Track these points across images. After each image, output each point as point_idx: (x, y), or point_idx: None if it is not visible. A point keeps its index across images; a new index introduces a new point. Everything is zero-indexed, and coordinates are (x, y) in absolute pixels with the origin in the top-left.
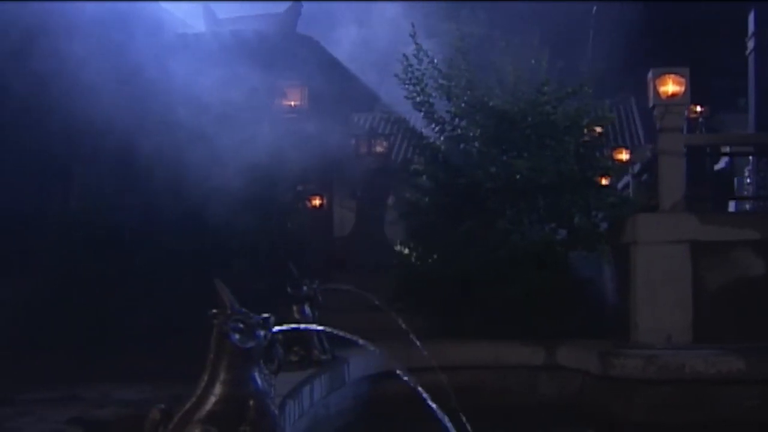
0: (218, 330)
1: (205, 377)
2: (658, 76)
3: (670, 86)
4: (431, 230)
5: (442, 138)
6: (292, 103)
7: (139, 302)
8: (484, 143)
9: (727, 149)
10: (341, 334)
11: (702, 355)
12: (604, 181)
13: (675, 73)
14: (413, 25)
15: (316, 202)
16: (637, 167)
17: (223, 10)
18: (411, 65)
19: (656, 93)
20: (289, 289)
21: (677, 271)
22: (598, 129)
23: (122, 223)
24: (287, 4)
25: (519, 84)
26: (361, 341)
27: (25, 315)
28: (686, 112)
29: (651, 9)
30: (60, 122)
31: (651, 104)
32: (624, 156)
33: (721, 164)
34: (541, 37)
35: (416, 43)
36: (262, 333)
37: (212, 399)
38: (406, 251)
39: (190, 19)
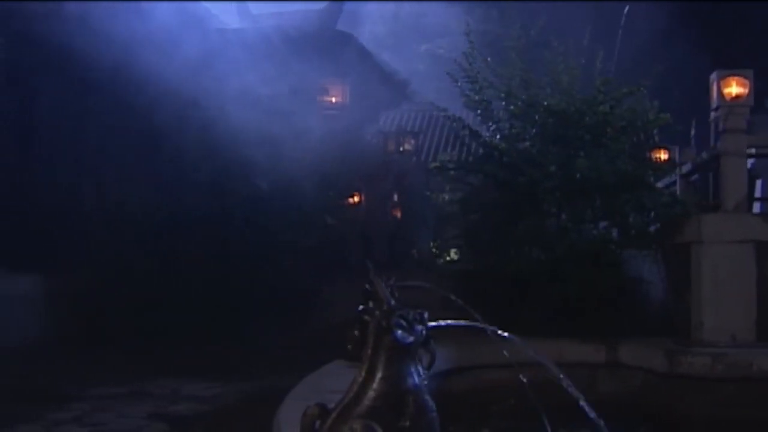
0: (377, 325)
1: (363, 373)
2: (723, 77)
3: (734, 88)
4: (488, 228)
5: (498, 137)
6: (333, 100)
7: (189, 298)
8: (543, 142)
9: (752, 150)
10: (482, 327)
11: None
12: None
13: (739, 75)
14: (468, 24)
15: (355, 199)
16: (687, 167)
17: (257, 7)
18: (471, 63)
19: (720, 94)
20: (367, 286)
21: (742, 270)
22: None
23: (173, 219)
24: (323, 3)
25: (574, 83)
26: (506, 334)
27: (77, 310)
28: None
29: (677, 8)
30: (115, 122)
31: (714, 105)
32: (663, 155)
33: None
34: (589, 36)
35: (470, 41)
36: (419, 328)
37: (371, 394)
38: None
39: (224, 16)
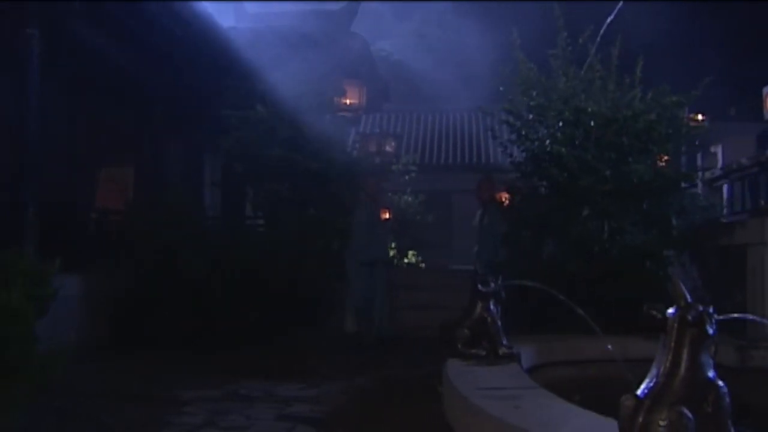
0: (681, 320)
1: (667, 364)
2: None
3: None
4: (543, 230)
5: (547, 142)
6: (348, 101)
7: (235, 300)
8: (598, 148)
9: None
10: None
11: None
12: None
13: None
14: (514, 32)
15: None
16: (715, 173)
17: (254, 6)
18: (529, 71)
19: None
20: (480, 287)
21: None
22: None
23: (222, 222)
24: (332, 3)
25: (616, 91)
26: None
27: (125, 311)
28: (686, 120)
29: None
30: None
31: None
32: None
33: None
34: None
35: (518, 49)
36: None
37: (678, 383)
38: None
39: (219, 15)
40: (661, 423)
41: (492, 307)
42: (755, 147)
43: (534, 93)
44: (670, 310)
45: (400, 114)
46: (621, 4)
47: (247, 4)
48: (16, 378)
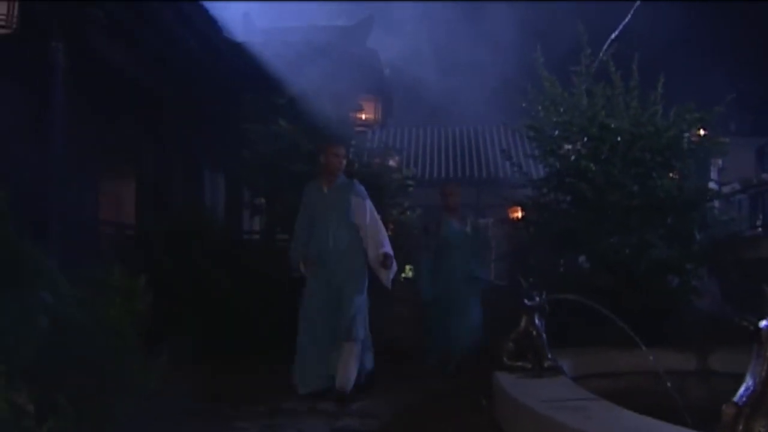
0: None
1: (762, 373)
2: None
3: None
4: (572, 244)
5: (573, 158)
6: (363, 116)
7: (252, 309)
8: (624, 163)
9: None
10: None
11: None
12: None
13: None
14: (539, 49)
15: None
16: (733, 186)
17: (263, 20)
18: (554, 86)
19: None
20: (526, 301)
21: None
22: None
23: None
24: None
25: (638, 108)
26: None
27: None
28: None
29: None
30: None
31: None
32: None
33: None
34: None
35: (541, 66)
36: None
37: None
38: None
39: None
40: (761, 430)
41: (537, 320)
42: (755, 161)
43: (561, 109)
44: (763, 322)
45: (391, 128)
46: (627, 20)
47: (256, 19)
48: (118, 392)
